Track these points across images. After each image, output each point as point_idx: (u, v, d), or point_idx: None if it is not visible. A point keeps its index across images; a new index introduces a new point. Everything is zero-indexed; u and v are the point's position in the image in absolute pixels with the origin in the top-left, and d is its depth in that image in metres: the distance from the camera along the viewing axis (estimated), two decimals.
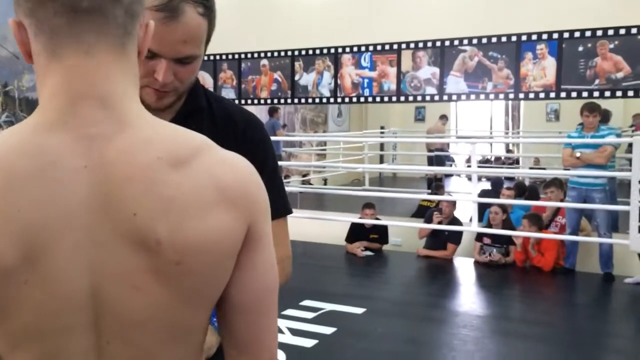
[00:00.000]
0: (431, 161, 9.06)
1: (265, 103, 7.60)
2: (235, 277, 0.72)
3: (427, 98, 6.40)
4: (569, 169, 5.17)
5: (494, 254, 5.23)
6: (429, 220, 5.59)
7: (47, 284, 0.64)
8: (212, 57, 7.57)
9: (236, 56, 7.42)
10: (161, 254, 0.65)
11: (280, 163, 7.79)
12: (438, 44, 6.20)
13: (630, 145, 5.08)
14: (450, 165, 9.52)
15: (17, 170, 0.62)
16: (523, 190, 6.32)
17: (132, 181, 0.64)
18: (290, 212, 1.23)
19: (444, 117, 9.80)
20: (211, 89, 7.57)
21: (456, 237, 5.54)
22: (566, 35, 5.59)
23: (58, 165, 0.63)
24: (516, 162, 10.42)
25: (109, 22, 0.65)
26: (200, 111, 1.10)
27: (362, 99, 6.81)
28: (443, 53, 6.20)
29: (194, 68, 1.03)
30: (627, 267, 4.95)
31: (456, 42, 6.11)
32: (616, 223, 5.19)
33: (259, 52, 7.27)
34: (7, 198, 0.62)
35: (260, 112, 8.66)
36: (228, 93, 7.51)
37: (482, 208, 5.71)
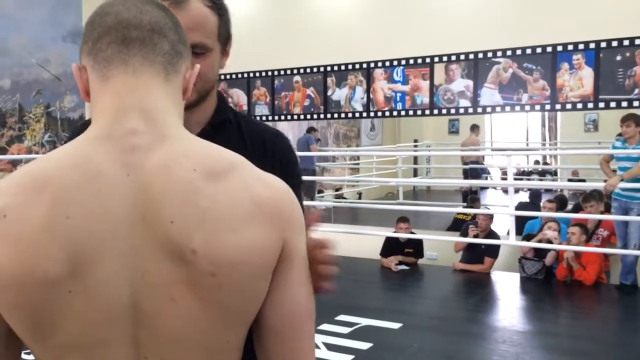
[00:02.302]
0: (466, 174, 8.96)
1: (299, 119, 7.66)
2: (270, 298, 0.72)
3: (461, 111, 6.36)
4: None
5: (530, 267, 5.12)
6: (464, 234, 5.52)
7: (91, 294, 0.65)
8: (245, 75, 7.70)
9: (269, 73, 7.53)
10: (197, 265, 0.66)
11: (313, 178, 7.86)
12: (471, 56, 6.16)
13: None
14: (486, 178, 9.40)
15: (66, 181, 0.65)
16: (564, 203, 6.19)
17: (169, 191, 0.66)
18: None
19: (475, 128, 9.67)
20: (245, 106, 7.70)
21: (493, 250, 5.45)
22: (603, 44, 5.49)
23: (103, 175, 0.66)
24: (554, 174, 10.20)
25: (155, 51, 0.72)
26: (228, 123, 1.12)
27: (394, 113, 6.81)
28: (476, 65, 6.16)
29: (211, 63, 1.05)
30: None
31: (490, 54, 6.07)
32: None
33: (291, 69, 7.35)
34: (55, 208, 0.64)
35: (293, 128, 8.77)
36: (262, 110, 7.61)
37: (520, 221, 5.60)
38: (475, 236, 5.39)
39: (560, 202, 5.90)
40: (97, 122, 0.70)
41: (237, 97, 7.80)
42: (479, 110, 6.31)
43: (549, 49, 5.77)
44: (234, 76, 7.81)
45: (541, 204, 6.74)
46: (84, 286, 0.65)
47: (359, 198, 10.26)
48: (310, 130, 8.41)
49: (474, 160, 9.06)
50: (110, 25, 0.72)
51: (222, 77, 7.88)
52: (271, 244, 0.70)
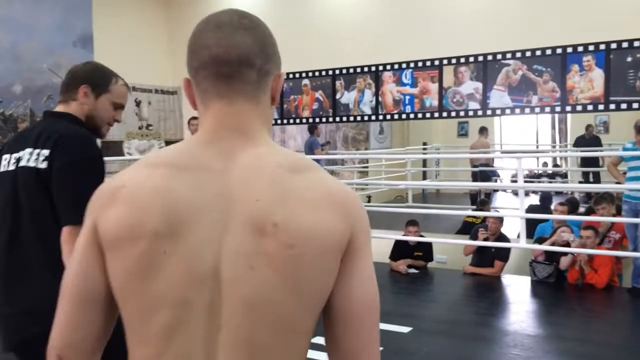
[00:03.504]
0: (475, 177, 8.92)
1: (307, 122, 7.66)
2: (340, 284, 0.82)
3: (470, 113, 6.33)
4: (619, 183, 5.00)
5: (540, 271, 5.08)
6: (474, 237, 5.49)
7: (182, 256, 0.78)
8: None
9: None
10: (277, 237, 0.77)
11: None
12: (480, 58, 6.14)
13: None
14: (495, 181, 9.34)
15: (177, 164, 0.83)
16: (576, 206, 6.14)
17: (258, 177, 0.81)
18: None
19: (485, 130, 9.61)
20: None
21: (503, 254, 5.41)
22: (614, 46, 5.45)
23: (204, 166, 0.83)
24: (564, 176, 10.12)
25: (244, 81, 0.86)
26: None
27: (403, 116, 6.79)
28: (486, 67, 6.13)
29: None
30: None
31: (499, 56, 6.04)
32: None
33: (300, 72, 7.36)
34: (163, 182, 0.81)
35: (302, 132, 8.76)
36: None
37: (531, 224, 5.57)
38: (485, 239, 5.36)
39: (571, 205, 5.84)
40: (202, 134, 0.87)
41: None
42: (489, 112, 6.27)
43: (559, 51, 5.73)
44: None
45: (552, 207, 6.69)
46: (177, 248, 0.78)
47: (368, 201, 10.24)
48: (312, 129, 8.35)
49: (484, 162, 9.01)
50: (206, 60, 0.85)
51: None
52: (342, 228, 0.81)
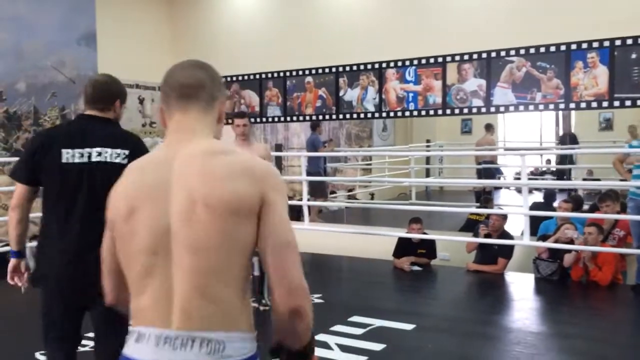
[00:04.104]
0: (479, 174, 8.91)
1: (311, 120, 7.66)
2: (260, 231, 1.19)
3: (474, 110, 6.32)
4: (624, 180, 4.99)
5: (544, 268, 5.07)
6: (476, 234, 5.49)
7: (147, 221, 1.20)
8: (257, 76, 7.71)
9: (281, 74, 7.54)
10: (202, 202, 1.16)
11: (321, 178, 7.84)
12: (484, 55, 6.13)
13: None
14: (499, 178, 9.33)
15: (144, 164, 1.30)
16: (580, 203, 6.13)
17: (190, 162, 1.21)
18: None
19: (490, 127, 9.59)
20: (257, 107, 7.71)
21: (507, 251, 5.40)
22: (618, 42, 5.43)
23: (160, 160, 1.26)
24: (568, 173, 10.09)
25: (199, 99, 1.30)
26: None
27: (407, 113, 6.78)
28: (489, 64, 6.12)
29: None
30: None
31: (503, 53, 6.03)
32: None
33: (303, 70, 7.36)
34: (131, 179, 1.27)
35: (305, 130, 8.76)
36: (274, 110, 7.62)
37: (534, 222, 5.55)
38: (487, 236, 5.35)
39: (576, 203, 5.83)
40: (166, 138, 1.31)
41: (249, 99, 7.83)
42: (492, 109, 6.26)
43: (563, 48, 5.71)
44: (245, 77, 7.83)
45: (555, 204, 6.68)
46: (144, 216, 1.21)
47: (372, 199, 10.24)
48: (315, 127, 8.34)
49: (488, 160, 9.00)
50: (174, 85, 1.30)
51: (235, 78, 7.92)
52: (252, 191, 1.18)
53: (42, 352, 3.44)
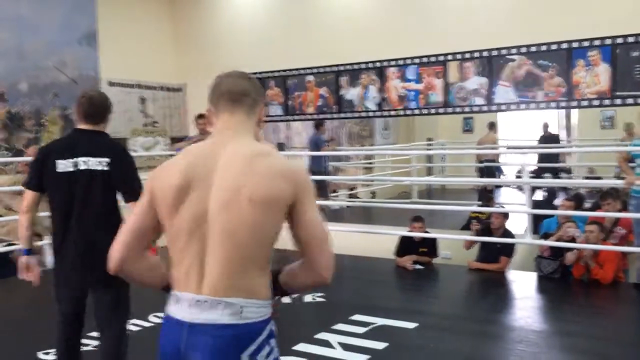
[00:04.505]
0: (482, 172, 8.90)
1: (312, 119, 7.66)
2: (295, 224, 1.45)
3: (476, 109, 6.32)
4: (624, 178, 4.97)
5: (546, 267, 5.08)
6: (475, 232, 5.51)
7: (193, 204, 1.42)
8: (258, 75, 7.72)
9: (282, 73, 7.54)
10: (243, 194, 1.40)
11: (323, 177, 7.85)
12: (485, 54, 6.13)
13: None
14: (499, 177, 9.33)
15: (195, 152, 1.51)
16: (581, 201, 6.13)
17: (235, 159, 1.44)
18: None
19: (493, 126, 9.59)
20: None
21: (509, 249, 5.41)
22: (620, 40, 5.43)
23: (208, 153, 1.48)
24: (569, 171, 10.08)
25: (243, 104, 1.55)
26: None
27: (408, 112, 6.78)
28: (491, 63, 6.11)
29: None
30: None
31: (504, 52, 6.02)
32: None
33: (304, 69, 7.36)
34: (185, 158, 1.49)
35: (307, 128, 8.76)
36: (275, 110, 7.62)
37: (536, 220, 5.56)
38: (482, 231, 5.37)
39: (577, 201, 5.82)
40: (213, 134, 1.54)
41: None
42: (494, 108, 6.26)
43: (564, 46, 5.71)
44: None
45: (556, 202, 6.67)
46: (191, 197, 1.42)
47: (373, 197, 10.24)
48: (318, 126, 8.33)
49: (490, 158, 8.99)
50: (223, 91, 1.55)
51: None
52: (287, 192, 1.42)
53: (44, 352, 3.46)
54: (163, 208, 1.46)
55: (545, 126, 9.62)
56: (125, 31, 7.61)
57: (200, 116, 6.74)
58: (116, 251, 1.50)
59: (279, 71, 7.55)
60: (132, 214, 1.55)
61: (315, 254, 1.45)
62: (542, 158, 8.72)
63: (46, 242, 2.94)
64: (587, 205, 6.54)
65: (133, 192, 2.52)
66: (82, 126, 2.67)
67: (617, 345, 3.65)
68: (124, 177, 2.61)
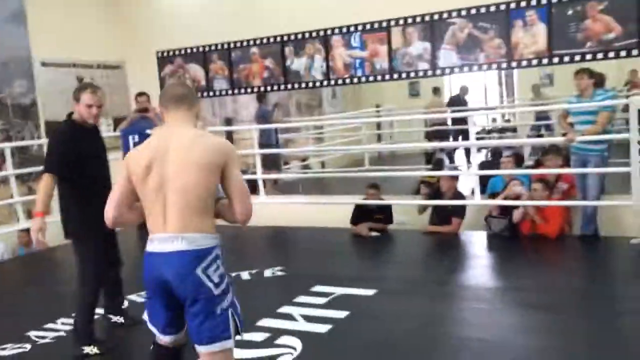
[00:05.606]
0: (430, 136, 9.03)
1: (259, 91, 7.55)
2: (225, 184, 2.11)
3: (420, 74, 6.38)
4: (565, 134, 5.17)
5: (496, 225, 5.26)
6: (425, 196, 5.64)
7: (156, 173, 2.08)
8: (201, 49, 7.52)
9: (225, 46, 7.37)
10: (191, 161, 2.06)
11: (278, 150, 7.80)
12: (427, 18, 6.16)
13: (627, 105, 5.08)
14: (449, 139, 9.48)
15: (154, 139, 2.20)
16: (521, 158, 6.35)
17: (182, 139, 2.12)
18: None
19: (437, 91, 9.73)
20: (203, 81, 7.54)
21: (460, 211, 5.56)
22: (555, 0, 5.55)
23: (163, 136, 2.17)
24: (514, 131, 10.38)
25: (183, 104, 2.22)
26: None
27: (355, 80, 6.78)
28: (433, 27, 6.16)
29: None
30: (625, 228, 5.01)
31: (445, 15, 6.07)
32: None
33: (248, 40, 7.22)
34: (150, 143, 2.18)
35: (254, 100, 8.63)
36: (221, 84, 7.47)
37: (484, 180, 5.72)
38: (439, 196, 5.50)
39: (516, 158, 6.05)
40: (165, 124, 2.23)
41: (194, 72, 7.63)
42: (438, 72, 6.34)
43: (503, 7, 5.81)
44: (189, 51, 7.62)
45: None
46: (153, 171, 2.08)
47: (322, 167, 10.27)
48: (260, 98, 8.22)
49: (439, 122, 9.13)
50: (169, 96, 2.22)
51: (177, 52, 7.69)
52: (221, 159, 2.08)
53: (36, 330, 3.72)
54: (135, 178, 2.10)
55: (463, 90, 9.75)
56: (55, 8, 7.21)
57: (141, 94, 6.55)
58: (109, 217, 2.16)
59: (222, 44, 7.38)
60: (115, 184, 2.22)
61: (235, 203, 2.10)
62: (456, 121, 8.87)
63: None
64: (530, 163, 6.78)
65: (44, 163, 3.29)
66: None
67: (564, 296, 3.83)
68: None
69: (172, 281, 2.05)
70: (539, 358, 2.93)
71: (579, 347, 3.02)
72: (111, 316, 3.74)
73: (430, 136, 9.10)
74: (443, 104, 9.92)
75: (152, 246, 2.10)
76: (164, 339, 2.20)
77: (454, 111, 9.11)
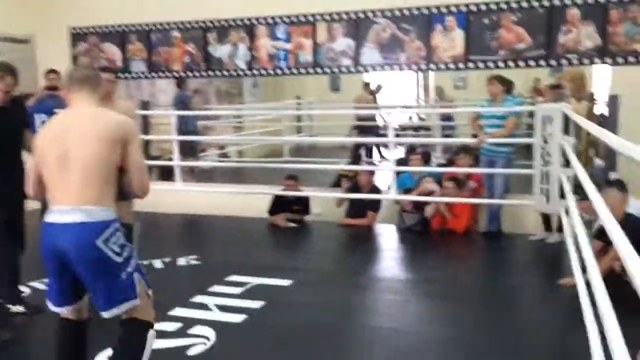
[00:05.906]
0: (357, 130, 9.14)
1: (179, 76, 7.35)
2: (124, 159, 2.23)
3: (343, 69, 6.47)
4: (476, 136, 5.45)
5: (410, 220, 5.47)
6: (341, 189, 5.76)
7: (59, 149, 2.18)
8: (119, 28, 7.20)
9: (145, 27, 7.11)
10: (92, 136, 2.19)
11: (197, 138, 7.63)
12: (353, 16, 6.26)
13: (532, 111, 5.43)
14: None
15: (60, 117, 2.36)
16: (428, 156, 6.68)
17: (83, 118, 2.28)
18: None
19: (367, 86, 9.78)
20: (119, 62, 7.23)
21: (375, 205, 5.71)
22: (473, 8, 5.82)
23: (66, 115, 2.34)
24: (428, 129, 10.77)
25: (88, 84, 2.35)
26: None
27: (279, 71, 6.76)
28: (358, 25, 6.27)
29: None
30: (526, 225, 5.38)
31: (370, 15, 6.19)
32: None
33: (169, 23, 6.99)
34: (56, 121, 2.33)
35: (172, 85, 8.40)
36: (138, 66, 7.19)
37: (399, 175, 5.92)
38: (351, 189, 5.62)
39: (424, 155, 6.32)
40: (70, 106, 2.34)
41: (110, 53, 7.30)
42: (360, 69, 6.46)
43: (425, 11, 6.01)
44: (105, 29, 7.27)
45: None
46: (57, 145, 2.19)
47: (240, 156, 10.18)
48: (179, 83, 8.00)
49: (364, 117, 9.25)
50: (74, 79, 2.35)
51: (93, 30, 7.32)
52: (120, 135, 2.22)
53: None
54: (41, 153, 2.23)
55: (377, 89, 9.95)
56: None
57: (51, 71, 6.19)
58: (31, 193, 2.36)
59: (141, 24, 7.10)
60: (29, 164, 2.39)
61: (134, 178, 2.25)
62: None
63: None
64: (442, 161, 7.09)
65: None
66: None
67: (469, 287, 4.07)
68: None
69: (68, 252, 2.10)
70: (444, 347, 3.09)
71: (479, 336, 3.21)
72: (10, 305, 3.53)
73: (353, 131, 9.23)
74: (371, 99, 10.06)
75: (50, 217, 2.16)
76: (59, 310, 2.29)
77: (367, 108, 9.26)
